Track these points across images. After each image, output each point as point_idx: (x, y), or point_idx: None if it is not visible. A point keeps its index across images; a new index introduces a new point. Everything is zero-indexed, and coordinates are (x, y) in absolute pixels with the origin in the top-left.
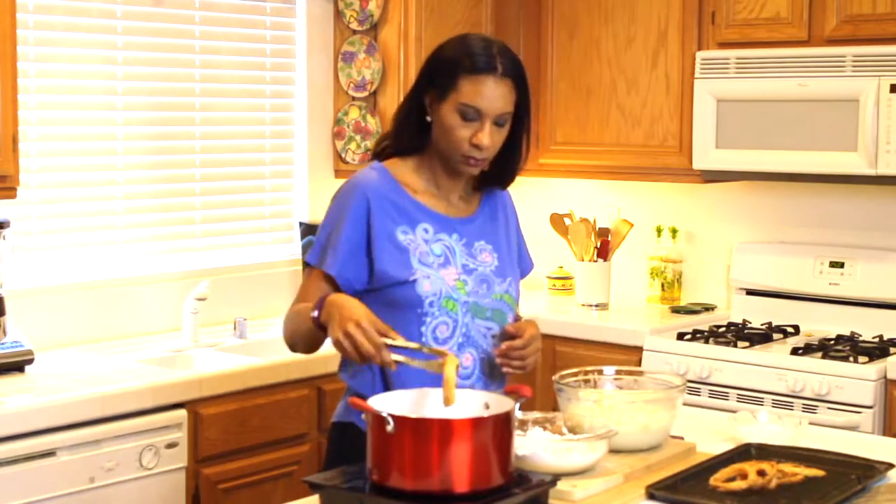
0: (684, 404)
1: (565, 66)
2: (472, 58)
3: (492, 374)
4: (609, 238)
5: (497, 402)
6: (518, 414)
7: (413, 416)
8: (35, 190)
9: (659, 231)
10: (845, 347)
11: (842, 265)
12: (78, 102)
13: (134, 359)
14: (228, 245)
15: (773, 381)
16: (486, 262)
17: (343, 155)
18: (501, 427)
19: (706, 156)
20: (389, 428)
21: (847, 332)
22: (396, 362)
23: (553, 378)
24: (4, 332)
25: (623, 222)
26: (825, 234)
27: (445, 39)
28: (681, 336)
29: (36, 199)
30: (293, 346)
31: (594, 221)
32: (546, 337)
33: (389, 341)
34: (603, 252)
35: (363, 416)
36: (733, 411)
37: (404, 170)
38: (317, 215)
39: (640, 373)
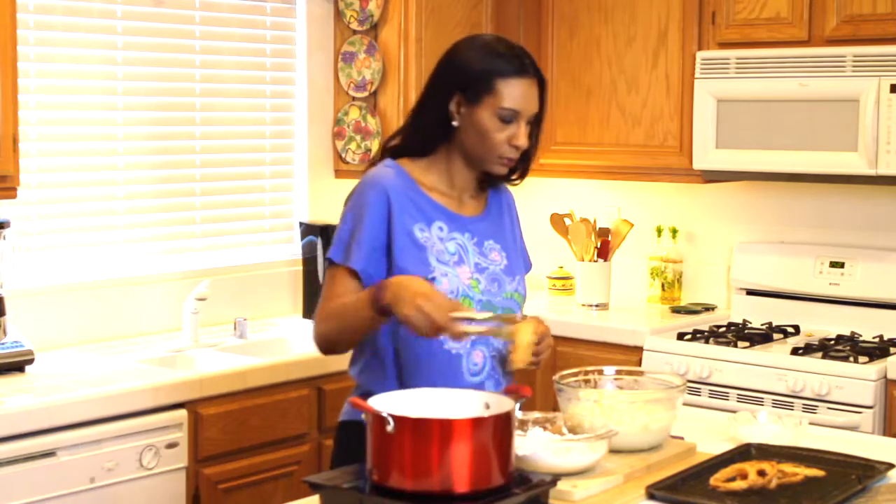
0: (684, 404)
1: (565, 66)
2: (506, 61)
3: (503, 372)
4: (609, 238)
5: (497, 402)
6: (518, 414)
7: (413, 416)
8: (35, 190)
9: (659, 231)
10: (845, 347)
11: (842, 265)
12: (78, 102)
13: (134, 359)
14: (228, 245)
15: (774, 381)
16: (496, 261)
17: (343, 155)
18: (501, 427)
19: (706, 156)
20: (389, 428)
21: (847, 332)
22: (466, 333)
23: (553, 378)
24: (4, 332)
25: (623, 222)
26: (825, 234)
27: (453, 44)
28: (681, 336)
29: (36, 199)
30: (336, 345)
31: (594, 221)
32: None
33: (460, 314)
34: (603, 252)
35: (363, 416)
36: (733, 411)
37: (417, 169)
38: (317, 215)
39: (641, 373)
